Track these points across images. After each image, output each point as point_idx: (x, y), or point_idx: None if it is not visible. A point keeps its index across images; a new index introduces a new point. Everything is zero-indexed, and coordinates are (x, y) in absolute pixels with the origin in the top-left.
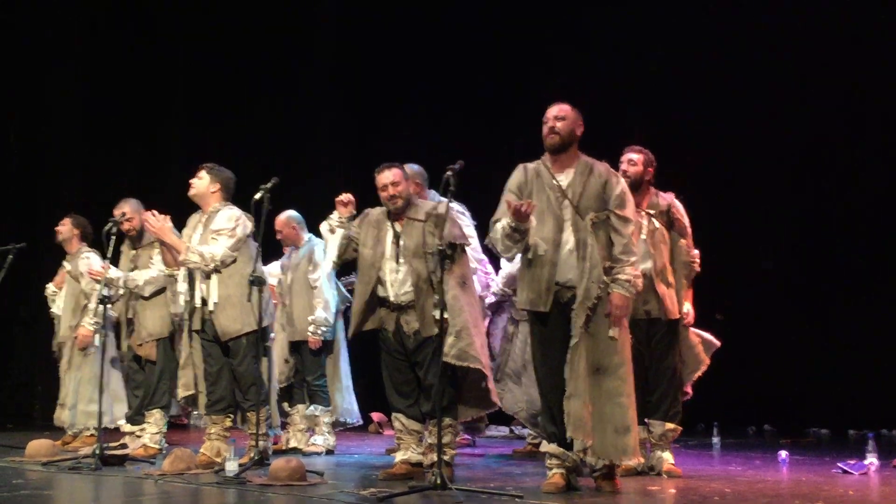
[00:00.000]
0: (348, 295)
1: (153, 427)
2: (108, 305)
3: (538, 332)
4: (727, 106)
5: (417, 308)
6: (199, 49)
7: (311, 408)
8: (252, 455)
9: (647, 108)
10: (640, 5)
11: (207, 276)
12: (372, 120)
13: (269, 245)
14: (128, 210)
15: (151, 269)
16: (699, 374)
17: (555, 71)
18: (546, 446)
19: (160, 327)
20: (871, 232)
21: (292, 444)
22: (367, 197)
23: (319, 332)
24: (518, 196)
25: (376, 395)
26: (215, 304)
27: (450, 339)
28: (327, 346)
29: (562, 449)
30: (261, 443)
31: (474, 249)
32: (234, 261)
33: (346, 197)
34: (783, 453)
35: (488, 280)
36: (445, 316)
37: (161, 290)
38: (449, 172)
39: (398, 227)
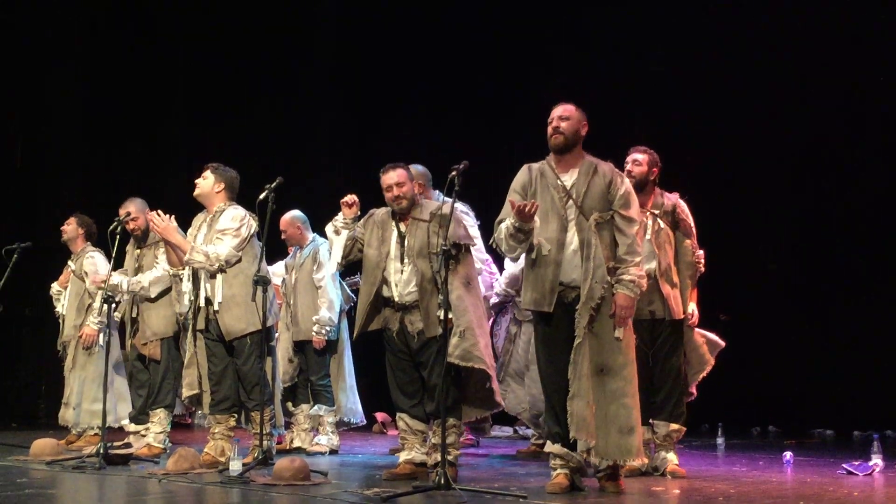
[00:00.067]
0: (352, 295)
1: (157, 426)
2: (113, 305)
3: (542, 332)
4: (727, 106)
5: (422, 308)
6: (199, 49)
7: (315, 408)
8: (256, 455)
9: (648, 108)
10: (640, 5)
11: (212, 276)
12: (372, 120)
13: (274, 245)
14: (133, 209)
15: (156, 270)
16: (704, 374)
17: (555, 71)
18: (550, 447)
19: (164, 327)
20: (872, 232)
21: (296, 443)
22: (368, 197)
23: (324, 331)
24: (522, 196)
25: (380, 395)
26: (220, 303)
27: (454, 340)
28: (331, 346)
29: (566, 449)
30: (265, 442)
31: (478, 250)
32: (239, 260)
33: (350, 198)
34: (788, 454)
35: (492, 280)
36: (450, 316)
37: (166, 290)
38: (454, 172)
39: (403, 227)
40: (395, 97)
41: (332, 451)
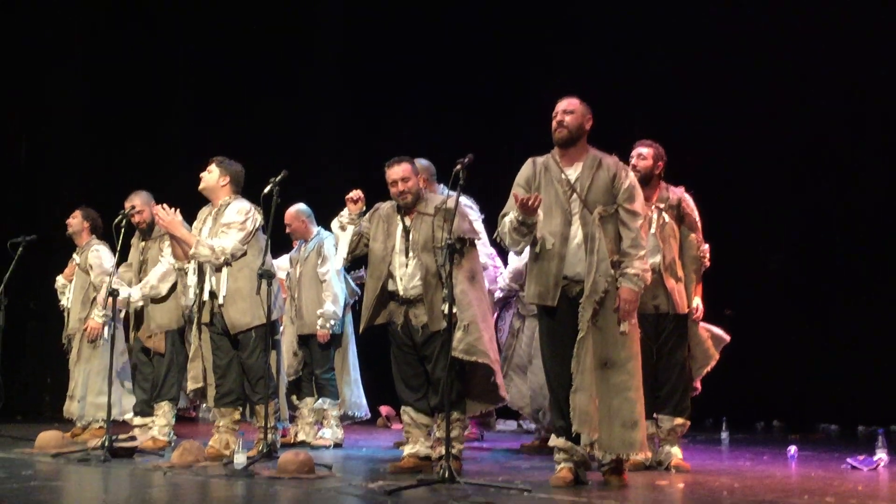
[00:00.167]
0: (357, 288)
1: (162, 419)
2: (118, 298)
3: (546, 326)
4: (727, 106)
5: (426, 302)
6: (200, 48)
7: (320, 401)
8: (260, 448)
9: (647, 108)
10: (640, 5)
11: (217, 270)
12: (373, 120)
13: (279, 238)
14: (138, 202)
15: (160, 265)
16: (708, 368)
17: (555, 71)
18: (554, 440)
19: (168, 320)
20: (876, 227)
21: (301, 437)
22: (369, 197)
23: (328, 325)
24: (526, 190)
25: (385, 388)
26: (224, 297)
27: (458, 334)
28: (336, 340)
29: (570, 443)
30: (269, 436)
31: (484, 244)
32: (244, 254)
33: (355, 194)
34: (792, 449)
35: (496, 274)
36: (454, 310)
37: (174, 284)
38: (458, 166)
39: (408, 221)
40: (396, 97)
41: (337, 445)
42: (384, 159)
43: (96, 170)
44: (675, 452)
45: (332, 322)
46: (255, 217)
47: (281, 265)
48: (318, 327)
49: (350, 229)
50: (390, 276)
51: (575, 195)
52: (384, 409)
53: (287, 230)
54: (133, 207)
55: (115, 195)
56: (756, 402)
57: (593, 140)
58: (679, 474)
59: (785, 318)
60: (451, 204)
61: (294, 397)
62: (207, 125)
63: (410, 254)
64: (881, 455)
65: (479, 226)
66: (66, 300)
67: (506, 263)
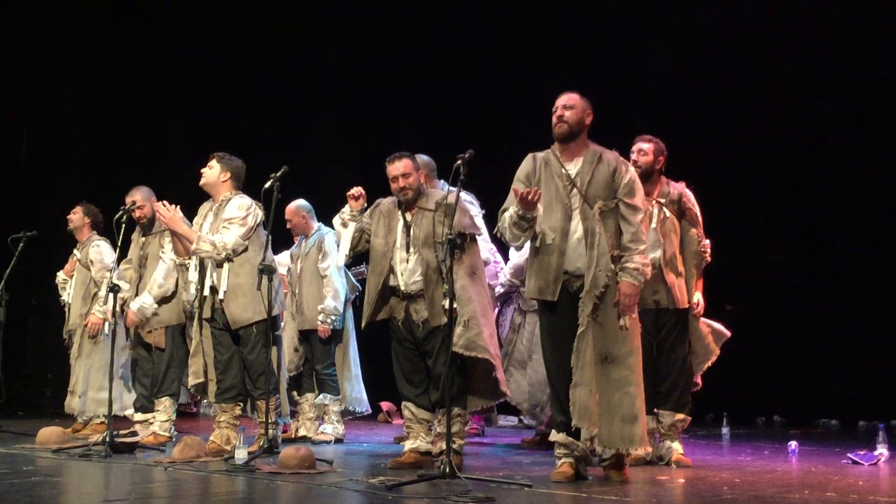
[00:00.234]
0: (357, 284)
1: (163, 415)
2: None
3: (547, 321)
4: (727, 106)
5: (426, 297)
6: (200, 48)
7: (321, 396)
8: (261, 443)
9: (647, 108)
10: (640, 5)
11: (219, 265)
12: (373, 120)
13: (279, 234)
14: (138, 198)
15: (162, 263)
16: (709, 364)
17: (555, 71)
18: (555, 435)
19: (169, 315)
20: (876, 227)
21: (301, 432)
22: (370, 195)
23: (329, 321)
24: (526, 185)
25: (385, 383)
26: (225, 292)
27: (458, 329)
28: (336, 335)
29: (570, 438)
30: (270, 431)
31: (485, 240)
32: (246, 249)
33: (356, 191)
34: (793, 444)
35: (497, 270)
36: (454, 306)
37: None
38: (459, 161)
39: (409, 216)
40: (396, 98)
41: (338, 440)
42: (384, 159)
43: (96, 169)
44: (676, 448)
45: (333, 317)
46: (256, 212)
47: (282, 261)
48: (318, 323)
49: (352, 226)
50: (391, 271)
51: (575, 190)
52: (385, 405)
53: (287, 226)
54: (134, 203)
55: (115, 195)
56: (757, 397)
57: (593, 140)
58: (680, 469)
59: (786, 314)
60: (451, 199)
61: (295, 393)
62: (207, 125)
63: (411, 249)
64: (882, 450)
65: (480, 221)
66: (66, 296)
67: (506, 259)
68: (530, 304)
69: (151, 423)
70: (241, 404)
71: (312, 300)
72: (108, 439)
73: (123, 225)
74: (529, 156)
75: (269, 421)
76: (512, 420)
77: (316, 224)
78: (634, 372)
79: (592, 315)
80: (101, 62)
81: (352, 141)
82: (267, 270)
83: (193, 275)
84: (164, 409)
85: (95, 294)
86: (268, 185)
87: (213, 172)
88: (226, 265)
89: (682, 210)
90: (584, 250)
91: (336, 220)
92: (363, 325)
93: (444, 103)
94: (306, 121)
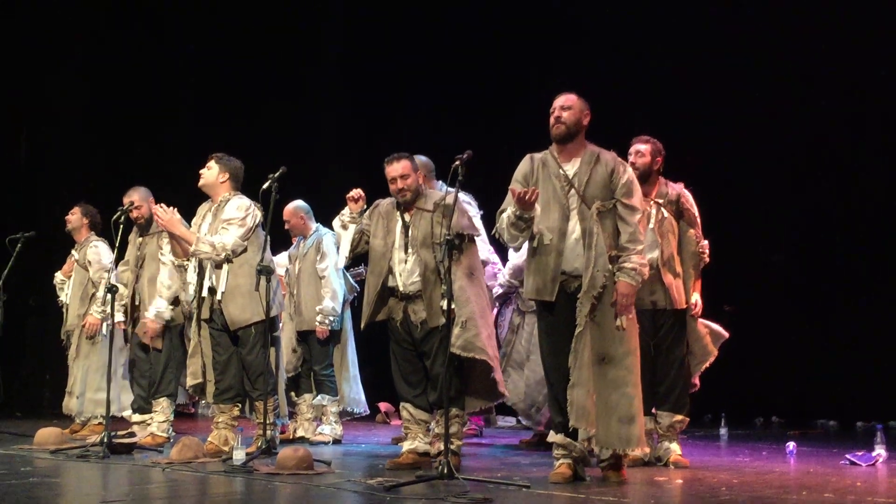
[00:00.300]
0: (356, 285)
1: (160, 415)
2: (116, 294)
3: (545, 321)
4: (727, 106)
5: (425, 298)
6: (201, 49)
7: (319, 397)
8: (259, 444)
9: (648, 108)
10: (640, 5)
11: (217, 266)
12: (373, 120)
13: (278, 235)
14: (136, 198)
15: (163, 267)
16: (707, 365)
17: (555, 71)
18: (553, 436)
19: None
20: (876, 227)
21: (300, 433)
22: (370, 196)
23: (327, 321)
24: (524, 186)
25: (383, 384)
26: (223, 293)
27: (456, 330)
28: (335, 336)
29: (569, 439)
30: (268, 432)
31: (484, 240)
32: (245, 250)
33: (356, 193)
34: (791, 445)
35: (495, 271)
36: (452, 306)
37: None
38: (457, 162)
39: (407, 217)
40: (397, 98)
41: (336, 441)
42: (384, 159)
43: (96, 170)
44: (674, 448)
45: (331, 318)
46: (255, 213)
47: (280, 262)
48: (317, 324)
49: (352, 228)
50: (390, 272)
51: (573, 190)
52: (383, 406)
53: (286, 227)
54: (132, 203)
55: (115, 195)
56: (755, 398)
57: (593, 140)
58: (678, 470)
59: (785, 314)
60: (450, 200)
61: (293, 394)
62: (208, 125)
63: (410, 250)
64: (879, 451)
65: (479, 222)
66: (64, 296)
67: (505, 260)
68: (529, 305)
69: (149, 424)
70: (240, 405)
71: (311, 301)
72: (106, 440)
73: (122, 226)
74: (527, 156)
75: (268, 422)
76: (510, 421)
77: (314, 225)
78: (632, 372)
79: (590, 315)
80: (101, 62)
81: (352, 141)
82: (265, 271)
83: (192, 276)
84: (162, 410)
85: (93, 295)
86: (266, 185)
87: (211, 173)
88: (225, 266)
89: (681, 210)
90: (582, 251)
91: (336, 223)
92: (362, 326)
93: (444, 103)
94: (307, 121)
